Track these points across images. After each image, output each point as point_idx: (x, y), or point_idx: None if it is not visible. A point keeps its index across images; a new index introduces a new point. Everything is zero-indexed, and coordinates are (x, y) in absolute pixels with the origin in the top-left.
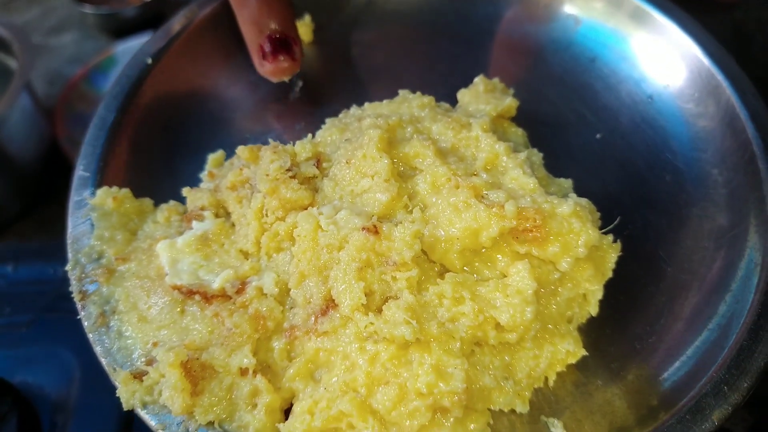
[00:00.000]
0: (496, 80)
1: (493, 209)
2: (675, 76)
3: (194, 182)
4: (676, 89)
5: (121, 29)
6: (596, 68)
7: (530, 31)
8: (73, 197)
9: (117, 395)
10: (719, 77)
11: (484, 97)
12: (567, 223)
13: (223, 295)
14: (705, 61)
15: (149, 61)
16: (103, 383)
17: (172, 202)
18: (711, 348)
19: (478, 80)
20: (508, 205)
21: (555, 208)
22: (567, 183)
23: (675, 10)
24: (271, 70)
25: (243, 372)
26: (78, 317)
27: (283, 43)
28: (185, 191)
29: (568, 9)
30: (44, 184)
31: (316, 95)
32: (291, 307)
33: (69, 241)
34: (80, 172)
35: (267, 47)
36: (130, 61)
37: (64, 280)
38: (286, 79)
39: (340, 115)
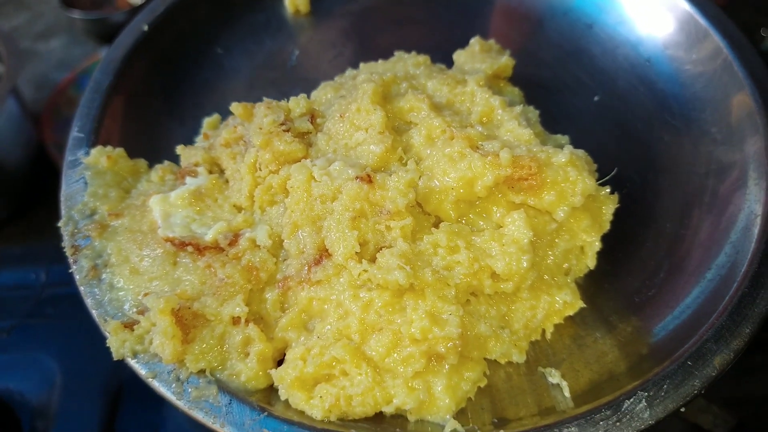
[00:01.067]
0: (492, 41)
1: (488, 158)
2: (672, 39)
3: (189, 144)
4: (673, 51)
5: (110, 34)
6: (594, 33)
7: None
8: (68, 157)
9: (107, 345)
10: (716, 37)
11: (479, 57)
12: (563, 172)
13: (216, 247)
14: (702, 22)
15: (145, 27)
16: (85, 389)
17: (166, 162)
18: (711, 297)
19: (474, 41)
20: (503, 153)
21: (551, 157)
22: (564, 139)
23: None
24: None
25: (235, 321)
26: (70, 270)
27: None
28: (179, 149)
29: None
30: (31, 190)
31: (313, 64)
32: (284, 260)
33: (62, 198)
34: (75, 133)
35: None
36: (127, 28)
37: (46, 286)
38: None
39: (336, 78)
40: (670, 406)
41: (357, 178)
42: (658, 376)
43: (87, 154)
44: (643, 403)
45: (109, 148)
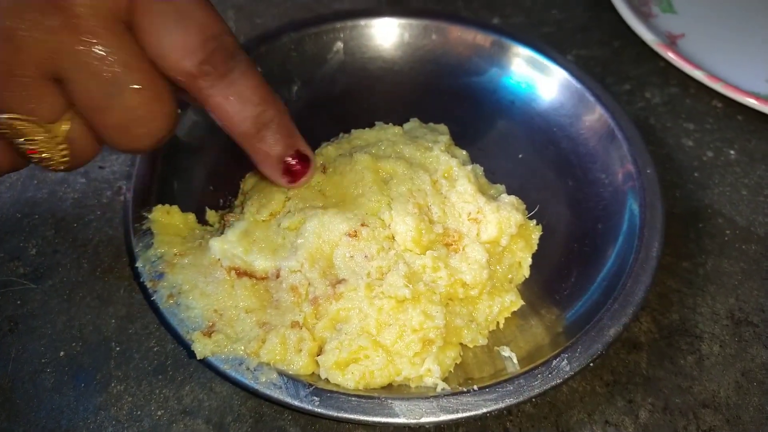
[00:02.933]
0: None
1: (427, 222)
2: (570, 110)
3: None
4: (572, 120)
5: None
6: (515, 107)
7: (468, 81)
8: (132, 214)
9: (192, 349)
10: (600, 108)
11: (421, 130)
12: (503, 211)
13: (266, 277)
14: (590, 97)
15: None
16: None
17: (214, 211)
18: (605, 292)
19: (413, 120)
20: (436, 227)
21: (494, 203)
22: (501, 187)
23: (563, 60)
24: (298, 183)
25: (294, 325)
26: (152, 298)
27: (303, 157)
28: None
29: (495, 70)
30: None
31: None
32: (310, 284)
33: (135, 245)
34: (134, 195)
35: (292, 164)
36: None
37: None
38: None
39: (332, 139)
40: (583, 362)
41: (347, 233)
42: (574, 344)
43: (149, 211)
44: (565, 361)
45: (167, 206)
